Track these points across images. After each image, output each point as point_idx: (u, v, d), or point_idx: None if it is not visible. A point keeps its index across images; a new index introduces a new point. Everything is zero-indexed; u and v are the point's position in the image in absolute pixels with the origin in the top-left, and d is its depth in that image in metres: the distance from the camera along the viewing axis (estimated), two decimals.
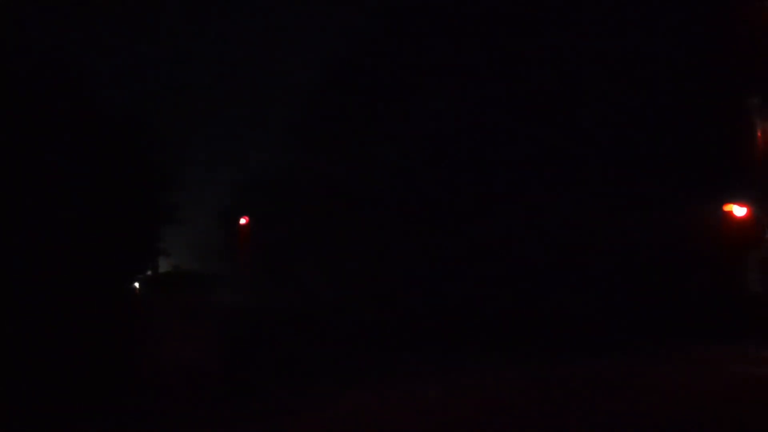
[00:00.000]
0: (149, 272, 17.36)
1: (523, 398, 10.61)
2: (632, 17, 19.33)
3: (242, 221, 36.75)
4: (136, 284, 15.04)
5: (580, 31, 20.05)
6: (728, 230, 18.44)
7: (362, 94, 26.71)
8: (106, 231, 13.29)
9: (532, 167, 20.34)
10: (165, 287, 14.35)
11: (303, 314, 26.78)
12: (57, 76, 13.74)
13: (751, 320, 15.92)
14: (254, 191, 38.86)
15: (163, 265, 21.15)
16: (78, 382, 11.66)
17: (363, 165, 26.47)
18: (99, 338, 12.47)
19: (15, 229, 12.21)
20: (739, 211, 18.48)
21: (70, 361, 11.94)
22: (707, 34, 18.65)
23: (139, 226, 14.81)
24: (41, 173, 12.75)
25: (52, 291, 12.31)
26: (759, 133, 18.14)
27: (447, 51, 22.92)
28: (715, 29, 18.54)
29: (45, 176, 12.76)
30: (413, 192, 24.14)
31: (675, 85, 19.01)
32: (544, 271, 19.82)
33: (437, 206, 22.90)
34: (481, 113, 21.58)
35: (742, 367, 12.34)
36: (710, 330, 15.65)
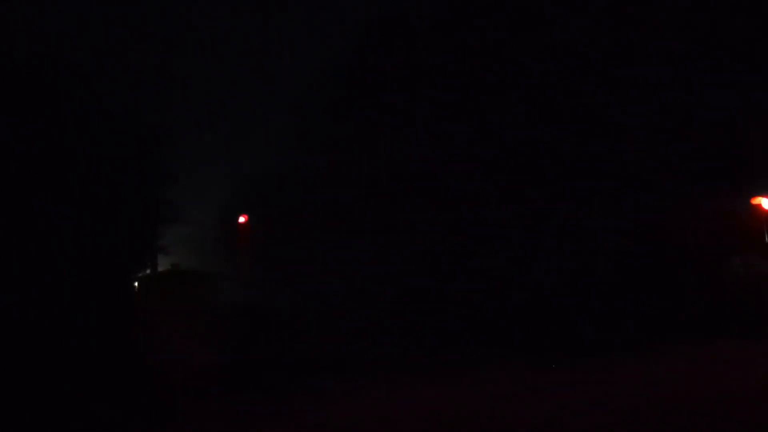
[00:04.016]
0: (148, 270, 17.35)
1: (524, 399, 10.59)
2: (648, 12, 19.21)
3: (241, 219, 36.71)
4: (135, 283, 15.01)
5: (588, 30, 19.96)
6: (757, 222, 18.40)
7: (362, 92, 26.66)
8: (103, 229, 13.26)
9: (534, 165, 20.29)
10: (164, 285, 14.34)
11: (303, 311, 26.72)
12: (56, 74, 13.72)
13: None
14: (254, 189, 38.82)
15: (163, 263, 21.13)
16: (77, 378, 11.63)
17: (362, 162, 26.42)
18: (96, 336, 12.45)
19: (12, 228, 12.20)
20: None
21: (69, 359, 11.92)
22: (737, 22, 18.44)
23: (137, 224, 14.80)
24: (37, 171, 12.71)
25: (47, 290, 12.29)
26: None
27: (447, 48, 22.86)
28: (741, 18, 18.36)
29: (40, 173, 12.73)
30: (413, 189, 24.10)
31: (701, 76, 18.84)
32: (548, 271, 19.80)
33: (437, 204, 22.86)
34: (482, 111, 21.52)
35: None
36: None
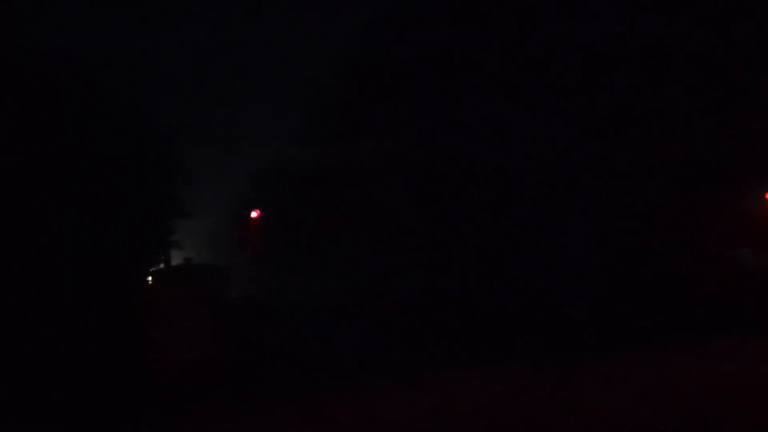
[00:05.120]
0: (162, 265, 17.49)
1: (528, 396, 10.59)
2: (651, 9, 19.12)
3: (254, 214, 36.87)
4: (149, 277, 15.11)
5: (594, 23, 19.86)
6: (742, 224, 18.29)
7: (375, 85, 26.66)
8: (117, 225, 13.37)
9: (541, 162, 20.26)
10: (177, 279, 14.43)
11: (314, 306, 26.83)
12: (69, 73, 13.81)
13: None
14: (267, 184, 38.96)
15: (177, 258, 21.28)
16: (90, 372, 11.75)
17: (375, 157, 26.45)
18: (110, 330, 12.57)
19: (28, 228, 12.34)
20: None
21: (83, 352, 12.04)
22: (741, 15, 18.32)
23: (150, 219, 14.92)
24: (54, 170, 12.83)
25: (63, 285, 12.42)
26: None
27: (459, 42, 22.80)
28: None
29: (57, 173, 12.84)
30: (425, 186, 24.10)
31: (714, 68, 18.68)
32: (552, 268, 19.77)
33: (447, 200, 22.85)
34: (490, 107, 21.45)
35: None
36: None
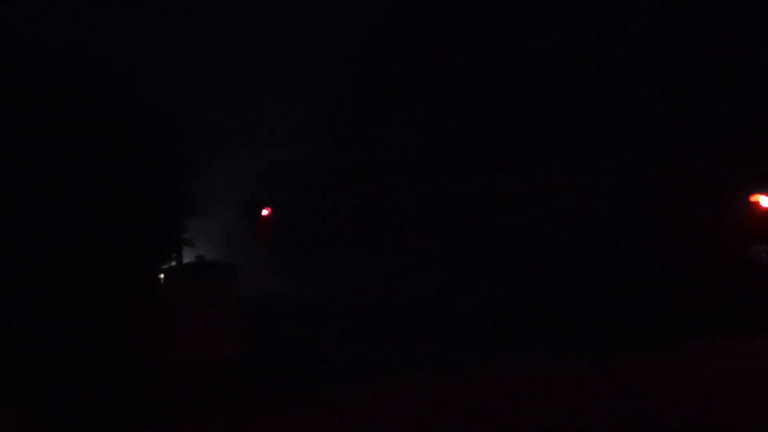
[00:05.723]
0: (173, 263, 17.67)
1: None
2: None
3: (264, 212, 37.02)
4: (161, 275, 15.28)
5: (593, 26, 19.88)
6: (756, 220, 18.28)
7: (386, 83, 26.71)
8: (129, 223, 13.56)
9: (549, 158, 20.30)
10: (188, 277, 14.58)
11: (325, 305, 26.96)
12: (82, 72, 13.97)
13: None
14: (278, 181, 39.10)
15: (189, 256, 21.49)
16: (101, 372, 11.93)
17: (387, 155, 26.52)
18: (122, 328, 12.76)
19: (43, 226, 12.54)
20: (766, 201, 18.31)
21: (94, 352, 12.23)
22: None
23: (162, 217, 15.07)
24: (67, 169, 13.01)
25: (76, 283, 12.61)
26: None
27: (470, 40, 22.84)
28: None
29: (70, 172, 13.02)
30: (435, 183, 24.16)
31: (700, 64, 18.68)
32: (552, 268, 19.82)
33: (450, 199, 22.90)
34: (494, 106, 21.46)
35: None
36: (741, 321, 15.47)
